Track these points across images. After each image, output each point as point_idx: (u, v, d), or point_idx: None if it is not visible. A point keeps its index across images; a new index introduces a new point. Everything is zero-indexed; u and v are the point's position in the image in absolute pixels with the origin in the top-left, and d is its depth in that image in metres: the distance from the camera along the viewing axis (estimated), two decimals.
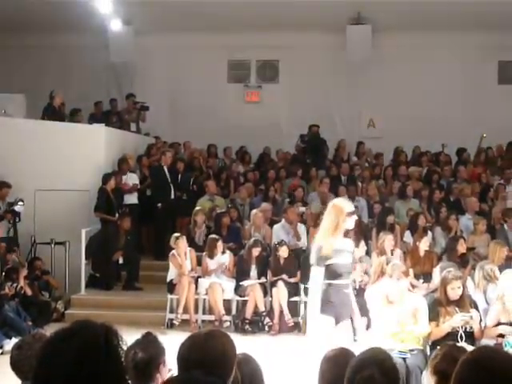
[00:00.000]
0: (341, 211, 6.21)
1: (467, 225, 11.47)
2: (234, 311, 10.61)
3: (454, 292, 6.88)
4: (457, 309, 6.85)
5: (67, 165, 12.38)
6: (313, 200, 13.03)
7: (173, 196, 13.13)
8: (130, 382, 2.10)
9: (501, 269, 8.39)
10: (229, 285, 10.62)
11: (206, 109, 16.69)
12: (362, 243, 10.31)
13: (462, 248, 10.00)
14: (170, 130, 16.33)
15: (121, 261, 11.79)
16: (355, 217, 6.45)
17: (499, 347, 6.30)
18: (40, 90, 13.87)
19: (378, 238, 10.46)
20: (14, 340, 7.74)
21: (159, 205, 12.85)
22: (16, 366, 3.79)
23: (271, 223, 11.91)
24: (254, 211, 11.84)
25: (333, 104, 16.76)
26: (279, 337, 10.07)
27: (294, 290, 10.50)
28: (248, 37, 16.41)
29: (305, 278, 10.35)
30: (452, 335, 6.65)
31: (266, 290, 10.56)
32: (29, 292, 10.43)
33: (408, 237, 11.05)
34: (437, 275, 8.46)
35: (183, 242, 10.69)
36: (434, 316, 6.89)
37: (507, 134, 15.16)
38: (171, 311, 10.58)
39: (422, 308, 7.01)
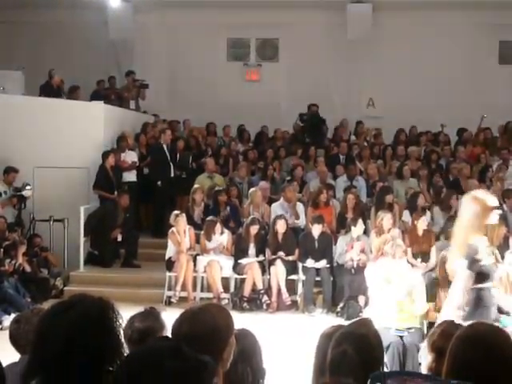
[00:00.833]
0: (485, 206, 5.49)
1: None
2: (232, 289, 10.65)
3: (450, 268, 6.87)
4: None
5: (66, 142, 12.36)
6: (311, 179, 13.04)
7: (172, 174, 13.13)
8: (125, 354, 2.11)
9: (499, 249, 8.39)
10: (227, 263, 10.65)
11: (206, 87, 16.63)
12: (360, 222, 10.32)
13: None
14: (169, 108, 16.27)
15: (119, 238, 11.81)
16: (499, 211, 5.73)
17: (493, 324, 6.32)
18: (39, 67, 13.81)
19: (376, 216, 10.48)
20: (13, 316, 7.78)
21: (159, 183, 12.85)
22: (14, 340, 3.81)
23: (270, 202, 11.93)
24: (253, 189, 11.85)
25: (332, 83, 16.70)
26: (277, 315, 10.12)
27: (292, 269, 10.53)
28: (248, 15, 16.32)
29: (303, 256, 10.44)
30: None
31: (264, 268, 10.60)
32: (28, 268, 10.47)
33: (406, 216, 11.07)
34: (434, 254, 8.49)
35: (183, 220, 10.71)
36: (431, 297, 6.90)
37: (508, 115, 15.14)
38: (169, 288, 10.62)
39: (420, 286, 7.04)
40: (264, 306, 10.29)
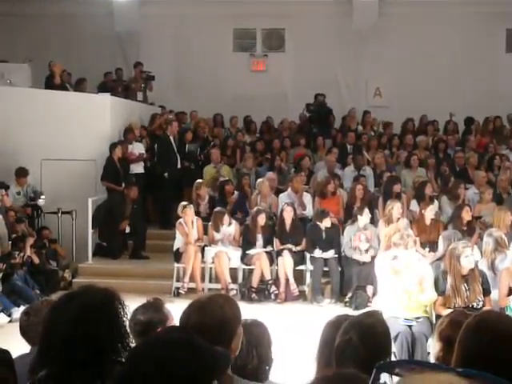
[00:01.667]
0: None
1: (474, 199, 11.37)
2: (240, 280, 10.66)
3: (469, 260, 6.81)
4: (465, 285, 6.80)
5: (73, 134, 12.37)
6: (319, 169, 13.02)
7: (179, 165, 13.14)
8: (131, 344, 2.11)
9: (506, 236, 8.37)
10: (235, 253, 10.66)
11: (212, 78, 16.60)
12: (367, 211, 10.30)
13: (466, 216, 9.99)
14: (176, 100, 16.25)
15: (127, 230, 11.84)
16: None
17: (502, 312, 6.31)
18: (45, 59, 13.80)
19: (384, 206, 10.47)
20: (23, 308, 7.82)
21: (166, 174, 12.86)
22: (24, 331, 3.83)
23: (277, 192, 11.93)
24: (261, 180, 11.85)
25: (339, 73, 16.66)
26: (285, 305, 10.13)
27: (299, 259, 10.53)
28: (253, 5, 16.28)
29: (310, 246, 10.44)
30: None
31: (272, 258, 10.60)
32: (36, 260, 10.52)
33: (414, 205, 11.05)
34: (441, 243, 8.46)
35: (191, 211, 10.72)
36: (440, 291, 6.85)
37: None
38: (178, 280, 10.64)
39: (429, 276, 7.00)
40: (272, 297, 10.31)
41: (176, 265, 10.68)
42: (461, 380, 1.69)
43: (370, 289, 9.78)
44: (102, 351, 1.98)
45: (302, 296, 10.38)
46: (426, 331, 6.60)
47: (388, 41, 16.42)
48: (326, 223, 10.41)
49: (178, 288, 10.49)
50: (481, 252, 8.38)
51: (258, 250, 10.51)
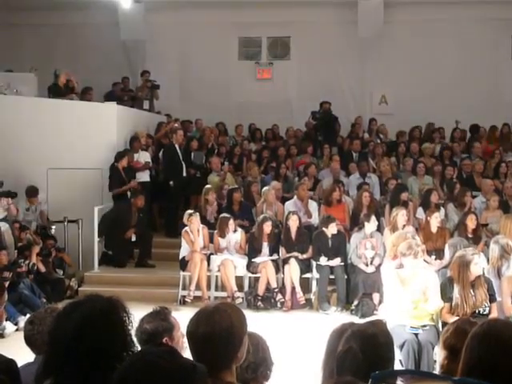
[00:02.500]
0: None
1: (481, 207, 11.33)
2: (246, 288, 10.65)
3: (478, 267, 6.80)
4: (471, 291, 6.78)
5: (79, 143, 12.42)
6: (324, 177, 13.03)
7: (185, 174, 13.16)
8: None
9: None
10: (241, 261, 10.65)
11: (217, 86, 16.65)
12: (373, 219, 10.29)
13: (471, 223, 9.97)
14: (181, 108, 16.31)
15: (133, 238, 11.85)
16: None
17: (508, 321, 6.28)
18: (51, 68, 13.86)
19: (391, 214, 10.45)
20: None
21: (171, 182, 12.88)
22: (29, 340, 3.81)
23: (283, 200, 11.93)
24: (266, 188, 11.85)
25: (344, 80, 16.67)
26: (291, 313, 10.11)
27: (305, 267, 10.52)
28: (259, 13, 16.34)
29: (316, 254, 10.42)
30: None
31: (278, 266, 10.59)
32: (42, 268, 10.54)
33: (420, 213, 11.03)
34: (447, 251, 8.43)
35: (196, 219, 10.72)
36: (446, 298, 6.83)
37: None
38: (184, 288, 10.64)
39: (435, 284, 6.98)
40: (278, 305, 10.29)
41: (182, 273, 10.68)
42: None
43: (376, 297, 9.76)
44: (107, 360, 1.98)
45: (308, 304, 10.36)
46: (432, 339, 6.57)
47: (393, 48, 16.44)
48: (332, 229, 10.38)
49: (183, 296, 10.49)
50: (487, 259, 8.35)
51: (264, 258, 10.51)
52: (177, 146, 13.18)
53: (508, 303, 7.04)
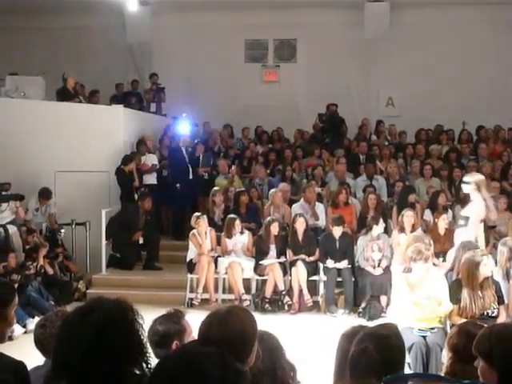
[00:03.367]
0: None
1: None
2: (253, 290, 10.65)
3: (487, 268, 6.78)
4: (479, 293, 6.75)
5: (87, 146, 12.45)
6: (331, 179, 13.02)
7: (191, 176, 13.18)
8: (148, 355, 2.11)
9: None
10: (248, 264, 10.66)
11: (224, 89, 16.66)
12: (381, 221, 10.28)
13: None
14: (187, 111, 16.32)
15: (141, 241, 11.87)
16: None
17: None
18: (58, 71, 13.92)
19: (398, 216, 10.44)
20: (37, 319, 7.84)
21: (178, 185, 12.89)
22: (40, 343, 3.81)
23: (290, 203, 11.92)
24: (273, 190, 11.86)
25: (351, 82, 16.65)
26: (299, 316, 10.10)
27: (313, 269, 10.52)
28: (265, 16, 16.34)
29: (323, 256, 10.41)
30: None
31: (286, 269, 10.58)
32: (49, 270, 10.57)
33: (428, 215, 11.01)
34: (453, 252, 8.42)
35: (204, 222, 10.73)
36: (455, 300, 6.80)
37: None
38: (191, 291, 10.64)
39: (444, 287, 6.96)
40: (286, 307, 10.28)
41: (189, 276, 10.68)
42: None
43: (383, 299, 9.74)
44: (122, 363, 1.97)
45: (315, 306, 10.35)
46: (440, 342, 6.54)
47: (400, 50, 16.42)
48: (337, 232, 10.35)
49: (191, 299, 10.50)
50: (495, 261, 8.33)
51: (272, 261, 10.50)
52: (183, 149, 13.20)
53: None
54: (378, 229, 10.23)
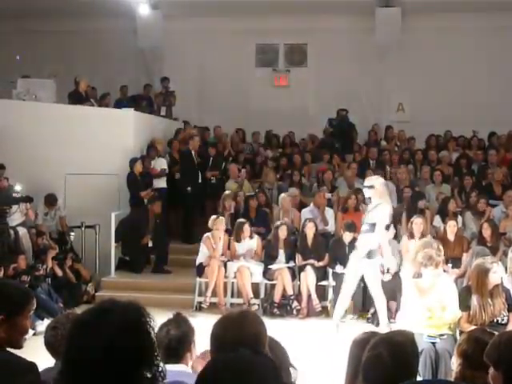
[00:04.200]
0: None
1: (500, 217, 11.21)
2: (262, 295, 10.64)
3: (497, 276, 6.72)
4: (489, 300, 6.73)
5: (97, 149, 12.48)
6: (340, 184, 13.00)
7: (200, 180, 13.19)
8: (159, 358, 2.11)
9: None
10: (257, 268, 10.65)
11: (235, 93, 16.67)
12: (391, 226, 10.25)
13: (485, 232, 9.90)
14: (199, 115, 16.36)
15: (150, 244, 11.88)
16: None
17: None
18: (70, 74, 13.97)
19: (408, 222, 10.41)
20: (47, 321, 7.87)
21: (189, 189, 12.91)
22: (51, 346, 3.81)
23: (300, 208, 11.91)
24: (282, 195, 11.86)
25: (361, 88, 16.62)
26: (307, 321, 10.09)
27: (322, 274, 10.50)
28: (276, 20, 16.35)
29: (333, 262, 10.39)
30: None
31: (295, 273, 10.57)
32: (58, 272, 10.61)
33: (438, 221, 10.97)
34: (464, 259, 8.38)
35: (222, 223, 10.74)
36: (464, 307, 6.77)
37: None
38: (200, 294, 10.65)
39: (453, 294, 6.93)
40: (294, 312, 10.27)
41: (198, 279, 10.69)
42: None
43: (392, 305, 9.71)
44: (136, 365, 1.96)
45: (324, 312, 10.33)
46: (449, 348, 6.51)
47: (411, 55, 16.39)
48: (350, 236, 10.32)
49: (200, 302, 10.50)
50: (505, 268, 8.29)
51: (281, 266, 10.49)
52: (193, 153, 13.22)
53: None
54: (388, 235, 10.19)
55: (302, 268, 10.45)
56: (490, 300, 6.70)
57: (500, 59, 16.18)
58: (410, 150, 14.70)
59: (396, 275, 9.85)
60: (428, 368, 6.44)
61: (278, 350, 3.30)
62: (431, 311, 6.75)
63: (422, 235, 9.89)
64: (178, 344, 3.52)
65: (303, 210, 11.61)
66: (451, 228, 10.14)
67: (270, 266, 10.55)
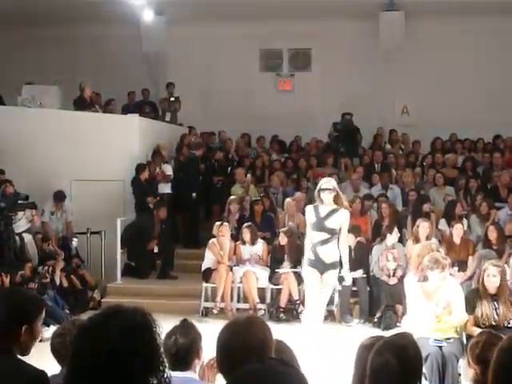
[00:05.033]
0: None
1: (506, 219, 11.18)
2: (268, 299, 10.63)
3: (489, 280, 6.70)
4: (495, 303, 6.71)
5: (102, 155, 12.51)
6: (345, 188, 12.96)
7: (204, 185, 13.20)
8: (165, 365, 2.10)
9: None
10: (263, 273, 10.64)
11: (239, 98, 16.69)
12: (396, 230, 10.24)
13: (491, 235, 9.88)
14: (204, 120, 16.36)
15: (156, 250, 11.89)
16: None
17: None
18: (74, 81, 14.01)
19: (413, 225, 10.39)
20: (53, 328, 7.87)
21: (194, 194, 12.91)
22: (57, 352, 3.81)
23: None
24: (288, 200, 11.85)
25: (366, 92, 16.60)
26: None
27: None
28: (280, 25, 16.36)
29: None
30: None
31: (300, 278, 10.54)
32: (65, 283, 10.63)
33: (443, 224, 10.95)
34: (471, 263, 8.36)
35: (227, 229, 10.73)
36: (470, 309, 6.75)
37: None
38: (206, 300, 10.64)
39: (459, 297, 6.91)
40: (300, 317, 10.24)
41: (204, 284, 10.68)
42: None
43: (399, 308, 9.69)
44: (142, 370, 1.95)
45: (330, 316, 10.30)
46: (456, 352, 6.50)
47: (415, 59, 16.38)
48: (353, 241, 10.30)
49: (206, 308, 10.49)
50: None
51: (286, 270, 10.48)
52: (198, 158, 13.23)
53: None
54: (392, 238, 10.19)
55: None
56: (496, 304, 6.68)
57: (504, 61, 16.14)
58: (414, 153, 14.68)
59: (402, 279, 9.82)
60: (435, 372, 6.42)
61: (286, 353, 3.30)
62: (438, 315, 6.72)
63: (427, 238, 9.87)
64: (186, 352, 3.52)
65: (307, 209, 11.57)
66: (458, 231, 10.12)
67: (276, 271, 10.54)
